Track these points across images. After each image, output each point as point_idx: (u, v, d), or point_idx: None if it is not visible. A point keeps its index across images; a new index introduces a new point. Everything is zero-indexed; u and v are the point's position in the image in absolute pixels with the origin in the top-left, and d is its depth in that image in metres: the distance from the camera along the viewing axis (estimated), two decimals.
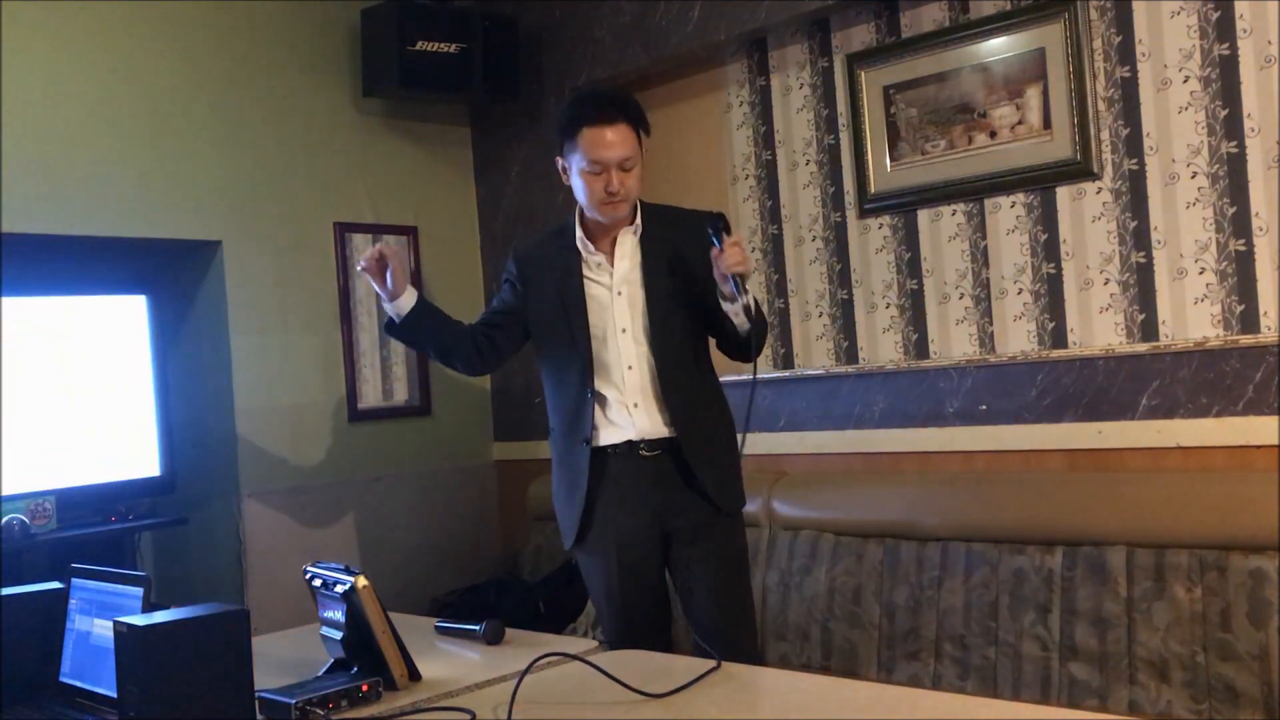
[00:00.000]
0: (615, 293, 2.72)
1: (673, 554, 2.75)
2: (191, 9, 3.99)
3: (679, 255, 2.73)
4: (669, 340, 2.70)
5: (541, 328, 2.81)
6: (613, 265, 2.73)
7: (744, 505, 2.83)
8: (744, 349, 2.65)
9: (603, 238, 2.74)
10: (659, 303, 2.70)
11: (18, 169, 3.57)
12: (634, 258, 2.73)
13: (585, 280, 2.74)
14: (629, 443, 2.69)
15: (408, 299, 2.74)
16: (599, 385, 2.71)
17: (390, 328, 2.79)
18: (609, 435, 2.71)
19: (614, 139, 2.61)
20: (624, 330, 2.70)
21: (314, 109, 4.31)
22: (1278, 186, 3.01)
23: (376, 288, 2.72)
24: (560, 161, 2.73)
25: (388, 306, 2.74)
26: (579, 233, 2.74)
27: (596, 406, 2.71)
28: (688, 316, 2.74)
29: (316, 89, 4.32)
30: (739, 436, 2.79)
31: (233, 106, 4.09)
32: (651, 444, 2.69)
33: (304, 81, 4.28)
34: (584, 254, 2.74)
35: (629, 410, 2.69)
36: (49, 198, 3.64)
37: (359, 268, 2.72)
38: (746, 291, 2.57)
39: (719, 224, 2.58)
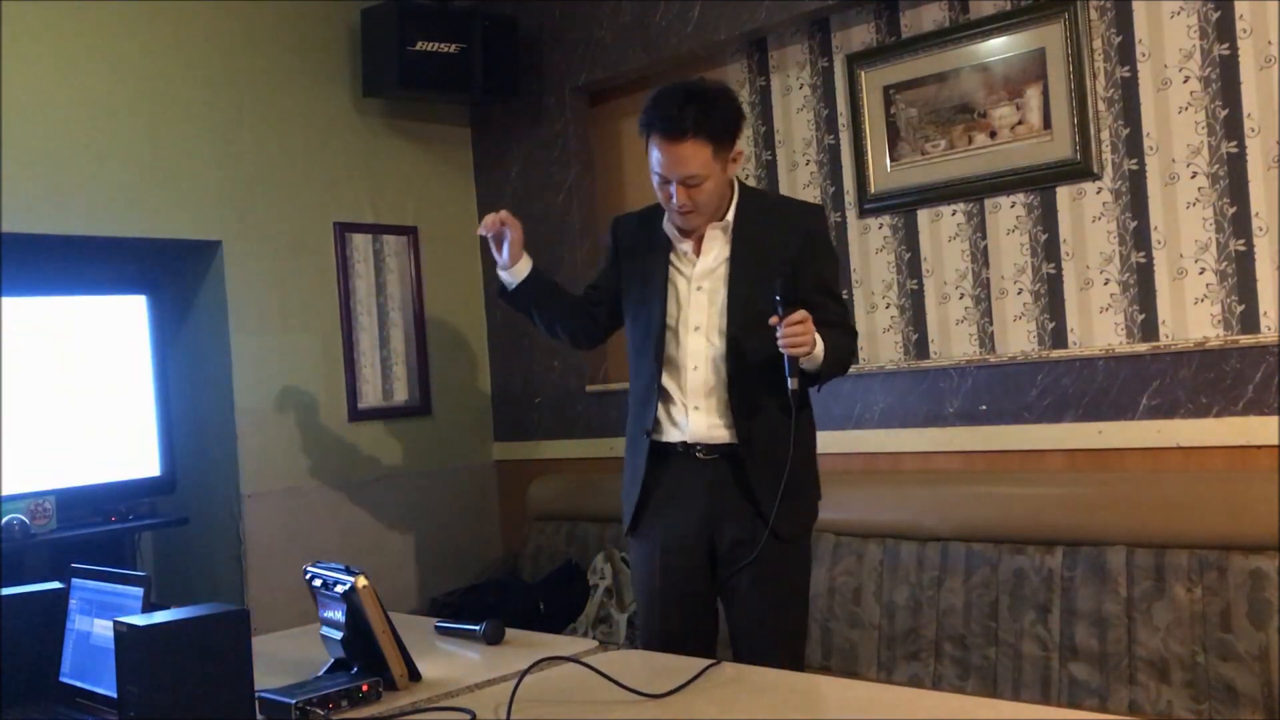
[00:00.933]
0: (695, 287, 2.56)
1: (719, 571, 2.58)
2: (191, 9, 3.99)
3: (770, 252, 2.54)
4: (744, 343, 2.51)
5: (627, 308, 2.69)
6: (697, 257, 2.58)
7: (808, 531, 2.63)
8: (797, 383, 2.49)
9: (695, 235, 2.59)
10: (740, 304, 2.52)
11: (18, 169, 3.57)
12: (721, 253, 2.56)
13: (670, 268, 2.60)
14: (684, 443, 2.55)
15: (523, 266, 2.71)
16: (665, 380, 2.58)
17: (501, 293, 2.77)
18: (669, 433, 2.57)
19: (678, 156, 2.44)
20: (697, 328, 2.55)
21: (314, 109, 4.31)
22: (1278, 186, 3.01)
23: (494, 253, 2.70)
24: (646, 148, 2.56)
25: (503, 274, 2.72)
26: (667, 217, 2.60)
27: (660, 401, 2.58)
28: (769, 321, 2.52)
29: (316, 89, 4.32)
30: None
31: (233, 106, 4.09)
32: (708, 448, 2.54)
33: (304, 81, 4.28)
34: (672, 240, 2.61)
35: (687, 411, 2.54)
36: (49, 198, 3.64)
37: (479, 232, 2.70)
38: (795, 377, 2.40)
39: (782, 294, 2.39)
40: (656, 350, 2.58)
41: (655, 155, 2.48)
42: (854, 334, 2.68)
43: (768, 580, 2.53)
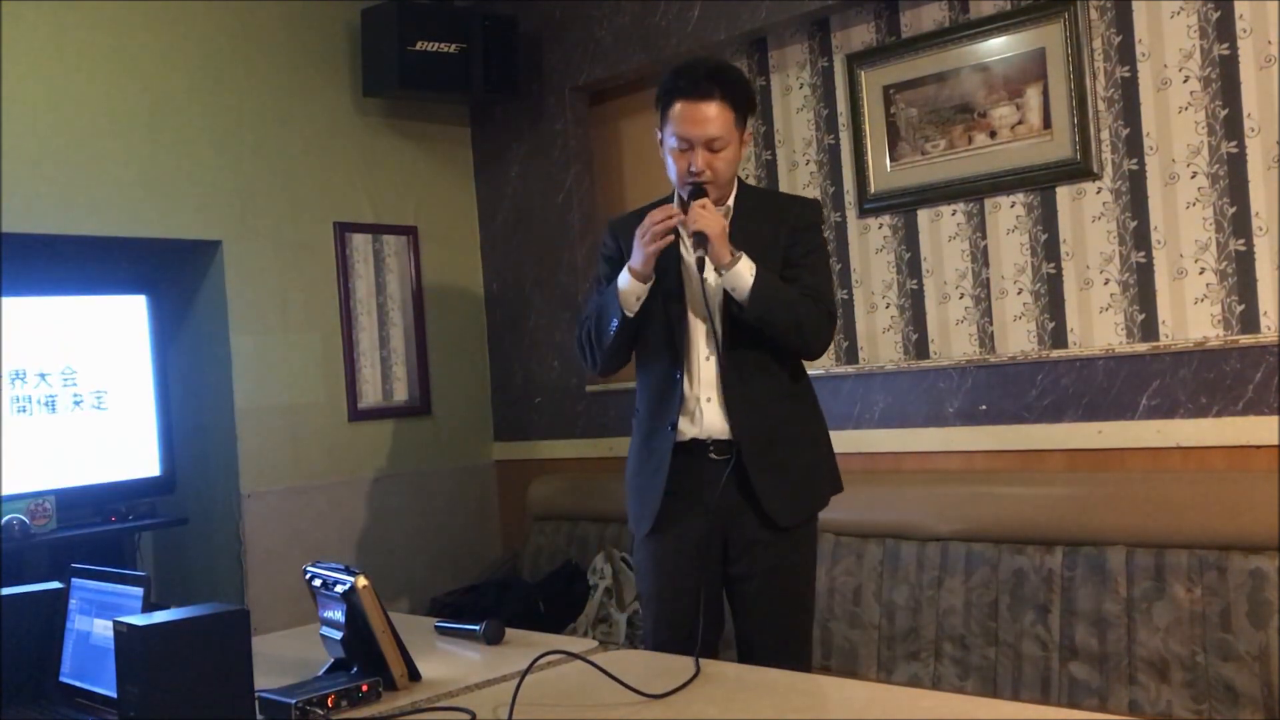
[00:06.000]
0: (702, 278, 2.48)
1: (731, 564, 2.56)
2: (192, 9, 3.99)
3: (766, 241, 2.52)
4: (745, 333, 2.48)
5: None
6: None
7: (811, 517, 2.61)
8: (782, 340, 2.49)
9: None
10: None
11: (18, 169, 3.57)
12: None
13: (682, 260, 2.54)
14: (697, 440, 2.52)
15: (647, 284, 2.50)
16: (682, 373, 2.53)
17: (620, 323, 2.54)
18: (685, 427, 2.53)
19: (704, 116, 2.44)
20: (705, 319, 2.51)
21: (314, 109, 4.31)
22: (1278, 186, 3.01)
23: (642, 257, 2.46)
24: (658, 134, 2.56)
25: (638, 286, 2.49)
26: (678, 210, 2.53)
27: (681, 393, 2.53)
28: None
29: (316, 89, 4.32)
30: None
31: (233, 106, 4.09)
32: (720, 445, 2.51)
33: (304, 81, 4.28)
34: (681, 232, 2.52)
35: (700, 405, 2.51)
36: (49, 198, 3.64)
37: (657, 245, 2.44)
38: (705, 253, 2.39)
39: (690, 193, 2.45)
40: (675, 340, 2.54)
41: (677, 121, 2.46)
42: (826, 310, 2.56)
43: (771, 572, 2.52)
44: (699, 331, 2.53)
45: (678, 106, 2.47)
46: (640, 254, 2.47)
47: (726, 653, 2.67)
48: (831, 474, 2.65)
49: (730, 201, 2.57)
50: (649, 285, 2.50)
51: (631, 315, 2.51)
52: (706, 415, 2.51)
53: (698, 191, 2.46)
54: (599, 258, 2.72)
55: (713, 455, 2.51)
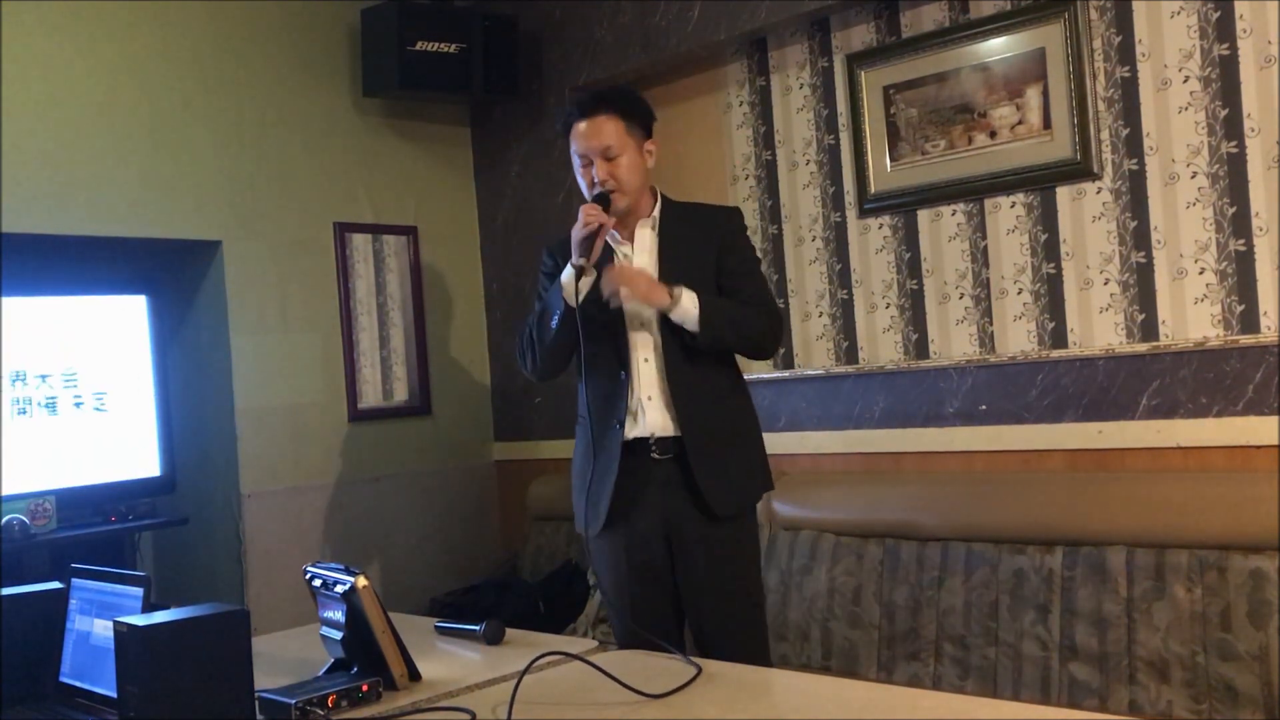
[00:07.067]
0: (621, 306, 2.67)
1: (676, 559, 2.72)
2: (192, 9, 3.99)
3: (696, 249, 2.70)
4: (679, 334, 2.64)
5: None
6: (633, 253, 2.74)
7: (750, 506, 2.77)
8: (738, 352, 2.69)
9: (626, 230, 2.75)
10: None
11: (18, 169, 3.57)
12: (651, 251, 2.72)
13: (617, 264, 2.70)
14: (640, 440, 2.66)
15: (587, 278, 2.57)
16: (628, 374, 2.68)
17: (563, 316, 2.62)
18: (628, 427, 2.67)
19: (594, 130, 2.64)
20: (641, 323, 2.68)
21: (314, 109, 4.31)
22: (1278, 186, 3.01)
23: (583, 252, 2.56)
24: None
25: (578, 283, 2.56)
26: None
27: (626, 393, 2.66)
28: None
29: (316, 89, 4.32)
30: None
31: (233, 106, 4.09)
32: (663, 444, 2.65)
33: (304, 81, 4.29)
34: (613, 245, 2.74)
35: (643, 404, 2.66)
36: (49, 198, 3.65)
37: (585, 230, 2.56)
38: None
39: (596, 198, 2.62)
40: (618, 343, 2.68)
41: (575, 139, 2.67)
42: (770, 314, 2.74)
43: (715, 559, 2.67)
44: (635, 338, 2.68)
45: (576, 127, 2.68)
46: (575, 246, 2.62)
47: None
48: (764, 469, 2.81)
49: (656, 213, 2.74)
50: (591, 279, 2.60)
51: (574, 306, 2.57)
52: (649, 414, 2.65)
53: (603, 198, 2.63)
54: (540, 275, 2.87)
55: (654, 454, 2.66)
